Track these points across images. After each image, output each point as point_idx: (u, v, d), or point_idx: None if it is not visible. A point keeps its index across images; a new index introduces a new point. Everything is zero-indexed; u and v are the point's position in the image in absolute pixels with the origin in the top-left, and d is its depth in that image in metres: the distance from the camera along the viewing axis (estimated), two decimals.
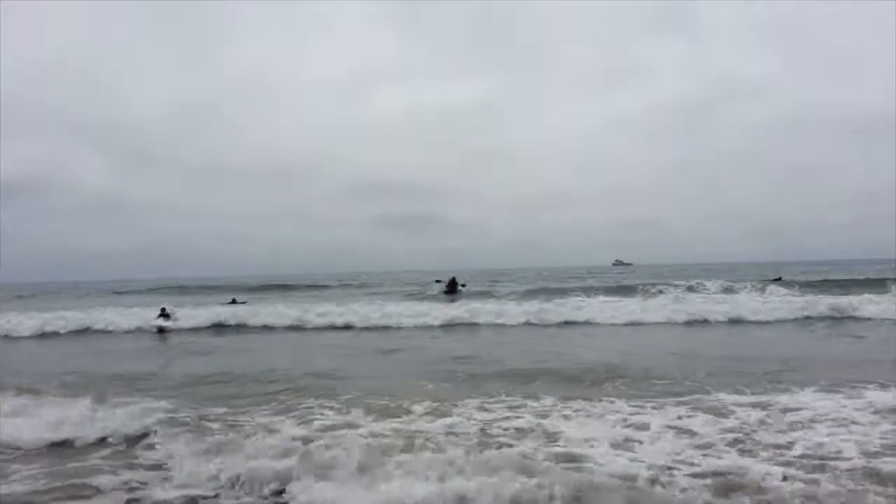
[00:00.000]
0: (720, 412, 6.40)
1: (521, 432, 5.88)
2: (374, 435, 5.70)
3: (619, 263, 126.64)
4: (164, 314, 20.17)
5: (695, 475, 4.54)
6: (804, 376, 8.20)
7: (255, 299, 31.10)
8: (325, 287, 45.93)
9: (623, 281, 36.87)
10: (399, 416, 6.59)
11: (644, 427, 5.90)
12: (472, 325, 17.86)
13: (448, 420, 6.38)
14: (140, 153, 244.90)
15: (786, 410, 6.36)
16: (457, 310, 19.95)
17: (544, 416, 6.43)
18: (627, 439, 5.55)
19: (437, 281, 34.04)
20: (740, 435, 5.57)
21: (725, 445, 5.31)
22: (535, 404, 6.99)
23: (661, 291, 25.46)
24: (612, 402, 6.99)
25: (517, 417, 6.46)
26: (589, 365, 9.83)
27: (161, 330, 19.25)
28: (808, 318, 16.93)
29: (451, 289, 30.86)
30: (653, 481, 4.28)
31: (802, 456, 4.94)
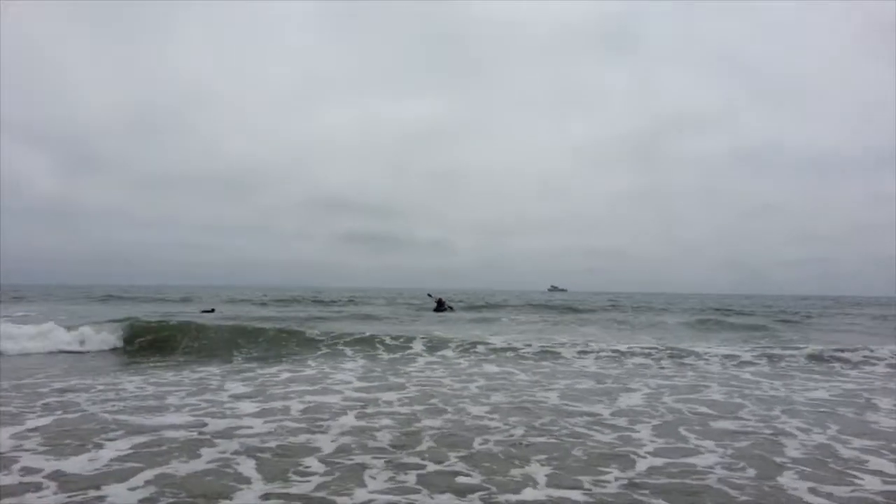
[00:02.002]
0: None
1: None
2: None
3: (554, 289, 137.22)
4: None
5: None
6: None
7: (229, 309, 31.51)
8: (317, 302, 45.62)
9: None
10: None
11: None
12: None
13: None
14: (87, 157, 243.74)
15: None
16: None
17: None
18: None
19: (429, 295, 38.54)
20: None
21: None
22: None
23: None
24: None
25: None
26: None
27: None
28: None
29: (440, 307, 35.46)
30: None
31: None
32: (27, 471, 5.18)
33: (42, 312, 26.85)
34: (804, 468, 5.76)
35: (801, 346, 16.67)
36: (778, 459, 6.06)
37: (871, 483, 5.33)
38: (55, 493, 4.65)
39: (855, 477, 5.51)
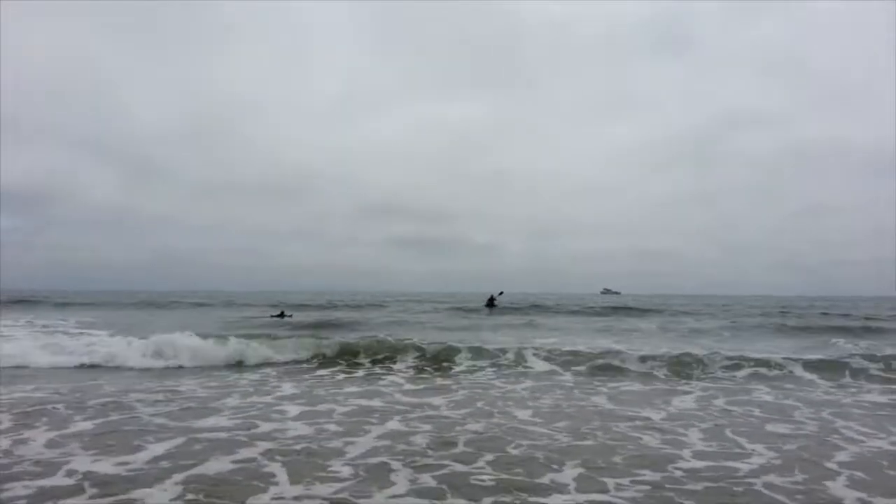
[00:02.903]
0: None
1: None
2: None
3: (607, 292, 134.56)
4: None
5: None
6: None
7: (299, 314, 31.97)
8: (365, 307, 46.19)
9: None
10: None
11: None
12: None
13: None
14: (146, 167, 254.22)
15: None
16: None
17: None
18: None
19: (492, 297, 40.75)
20: None
21: None
22: None
23: None
24: None
25: None
26: None
27: None
28: None
29: (490, 303, 39.78)
30: None
31: None
32: (70, 473, 5.36)
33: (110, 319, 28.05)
34: (856, 473, 5.43)
35: (861, 348, 15.80)
36: (829, 464, 5.72)
37: None
38: (90, 498, 4.77)
39: None
